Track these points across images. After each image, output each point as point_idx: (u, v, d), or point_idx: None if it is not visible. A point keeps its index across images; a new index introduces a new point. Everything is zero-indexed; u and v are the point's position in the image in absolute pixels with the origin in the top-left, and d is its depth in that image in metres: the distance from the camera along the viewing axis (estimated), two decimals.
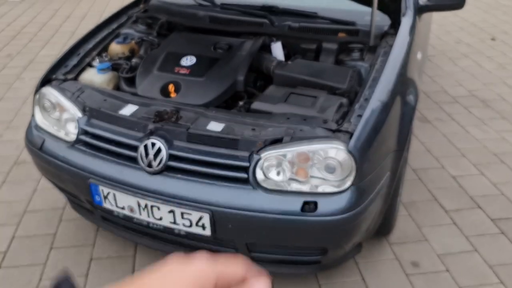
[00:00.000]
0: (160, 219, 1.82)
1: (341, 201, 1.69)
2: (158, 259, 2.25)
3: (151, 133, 1.82)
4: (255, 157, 1.71)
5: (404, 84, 2.10)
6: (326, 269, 2.03)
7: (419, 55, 2.47)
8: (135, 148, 1.83)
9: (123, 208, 1.88)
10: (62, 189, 2.20)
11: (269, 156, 1.71)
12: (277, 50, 2.33)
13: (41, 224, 2.51)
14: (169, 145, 1.79)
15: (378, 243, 2.37)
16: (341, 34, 2.32)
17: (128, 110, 1.94)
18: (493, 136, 3.38)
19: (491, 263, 2.26)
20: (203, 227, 1.77)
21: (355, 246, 2.05)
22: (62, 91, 2.07)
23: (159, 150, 1.78)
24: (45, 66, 4.58)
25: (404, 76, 2.11)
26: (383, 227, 2.23)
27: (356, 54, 2.23)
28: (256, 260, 1.93)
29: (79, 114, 1.98)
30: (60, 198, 2.56)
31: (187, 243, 1.94)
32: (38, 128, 2.12)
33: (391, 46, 2.20)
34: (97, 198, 1.93)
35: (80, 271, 2.22)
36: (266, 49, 2.36)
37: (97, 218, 2.16)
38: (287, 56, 2.36)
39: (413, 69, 2.26)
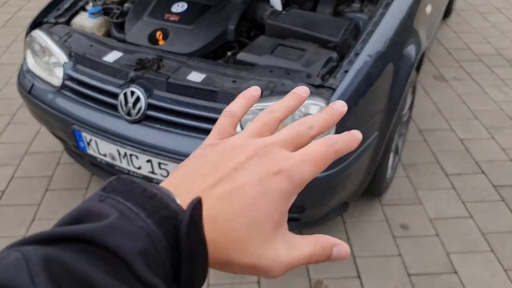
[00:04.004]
0: (139, 168, 1.83)
1: None
2: None
3: (132, 81, 1.78)
4: None
5: (402, 38, 1.97)
6: (308, 227, 2.00)
7: (428, 8, 2.30)
8: (115, 96, 1.81)
9: (105, 155, 1.89)
10: (53, 133, 2.22)
11: None
12: None
13: (39, 166, 2.58)
14: (149, 94, 1.76)
15: (369, 204, 2.33)
16: None
17: (112, 56, 1.90)
18: None
19: (485, 231, 2.19)
20: None
21: (341, 205, 2.02)
22: (50, 34, 2.04)
23: (138, 99, 1.75)
24: None
25: (403, 29, 1.97)
26: (374, 188, 2.18)
27: (356, 5, 2.10)
28: None
29: (65, 59, 1.96)
30: (59, 142, 2.60)
31: None
32: (29, 71, 2.12)
33: None
34: (81, 144, 1.94)
35: None
36: None
37: (87, 163, 2.19)
38: (286, 6, 2.24)
39: (417, 23, 2.11)
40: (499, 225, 2.22)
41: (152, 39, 2.02)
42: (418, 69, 2.33)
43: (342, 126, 1.62)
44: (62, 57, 1.97)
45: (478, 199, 2.37)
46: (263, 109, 1.51)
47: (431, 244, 2.13)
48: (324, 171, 1.62)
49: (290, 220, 1.58)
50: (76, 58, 1.94)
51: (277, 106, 0.42)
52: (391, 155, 2.22)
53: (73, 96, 1.94)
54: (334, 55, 1.83)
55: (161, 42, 2.01)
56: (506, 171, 2.56)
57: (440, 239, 2.15)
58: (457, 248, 2.11)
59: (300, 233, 1.81)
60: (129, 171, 1.87)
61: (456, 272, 2.00)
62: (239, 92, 1.58)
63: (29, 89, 2.05)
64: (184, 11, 2.09)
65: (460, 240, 2.15)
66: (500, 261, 2.05)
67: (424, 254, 2.08)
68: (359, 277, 1.98)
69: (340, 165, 1.67)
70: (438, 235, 2.17)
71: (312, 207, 1.82)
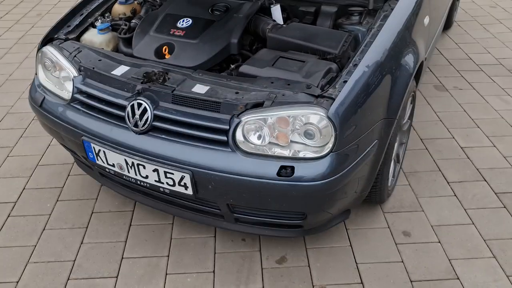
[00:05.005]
0: (146, 177, 1.89)
1: (319, 167, 1.69)
2: (154, 216, 2.34)
3: (139, 94, 1.85)
4: (235, 120, 1.72)
5: (400, 49, 2.03)
6: (310, 234, 2.04)
7: (426, 20, 2.36)
8: (123, 108, 1.88)
9: (113, 165, 1.95)
10: (63, 145, 2.30)
11: (249, 119, 1.71)
12: (276, 13, 2.29)
13: (50, 177, 2.65)
14: (155, 106, 1.83)
15: (371, 211, 2.37)
16: None
17: (119, 70, 1.98)
18: None
19: (487, 237, 2.22)
20: (185, 186, 1.82)
21: (343, 213, 2.06)
22: (61, 50, 2.13)
23: (145, 110, 1.82)
24: None
25: (401, 40, 2.04)
26: (375, 196, 2.22)
27: (355, 18, 2.17)
28: (239, 221, 1.98)
29: (74, 73, 2.04)
30: (70, 154, 2.67)
31: (175, 202, 2.01)
32: (40, 86, 2.20)
33: (392, 9, 2.11)
34: (90, 155, 2.01)
35: (81, 222, 2.34)
36: (266, 12, 2.33)
37: (96, 174, 2.26)
38: (287, 19, 2.32)
39: (415, 34, 2.17)
40: (501, 231, 2.25)
41: (159, 54, 2.09)
42: (417, 78, 2.39)
43: (340, 136, 1.68)
44: (72, 72, 2.05)
45: (480, 206, 2.40)
46: (264, 118, 1.57)
47: (433, 250, 2.16)
48: (324, 178, 1.68)
49: (293, 227, 1.63)
50: (85, 72, 2.02)
51: None
52: (392, 164, 2.26)
53: (82, 108, 2.01)
54: (334, 66, 1.89)
55: (167, 56, 2.09)
56: (507, 178, 2.59)
57: (442, 246, 2.18)
58: (459, 255, 2.13)
59: (304, 241, 1.83)
60: (136, 180, 1.93)
61: (458, 278, 2.03)
62: (241, 102, 1.62)
63: (40, 102, 2.13)
64: (189, 26, 2.17)
65: (462, 246, 2.18)
66: (502, 267, 2.07)
67: (426, 261, 2.11)
68: (361, 283, 2.01)
69: (340, 172, 1.72)
70: (440, 242, 2.20)
71: (313, 213, 1.86)
